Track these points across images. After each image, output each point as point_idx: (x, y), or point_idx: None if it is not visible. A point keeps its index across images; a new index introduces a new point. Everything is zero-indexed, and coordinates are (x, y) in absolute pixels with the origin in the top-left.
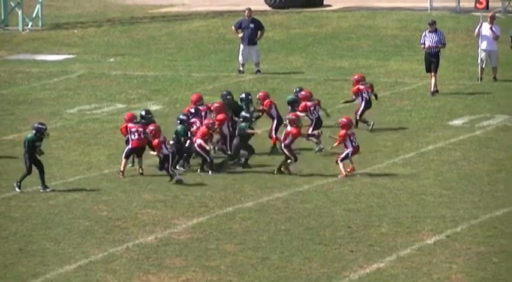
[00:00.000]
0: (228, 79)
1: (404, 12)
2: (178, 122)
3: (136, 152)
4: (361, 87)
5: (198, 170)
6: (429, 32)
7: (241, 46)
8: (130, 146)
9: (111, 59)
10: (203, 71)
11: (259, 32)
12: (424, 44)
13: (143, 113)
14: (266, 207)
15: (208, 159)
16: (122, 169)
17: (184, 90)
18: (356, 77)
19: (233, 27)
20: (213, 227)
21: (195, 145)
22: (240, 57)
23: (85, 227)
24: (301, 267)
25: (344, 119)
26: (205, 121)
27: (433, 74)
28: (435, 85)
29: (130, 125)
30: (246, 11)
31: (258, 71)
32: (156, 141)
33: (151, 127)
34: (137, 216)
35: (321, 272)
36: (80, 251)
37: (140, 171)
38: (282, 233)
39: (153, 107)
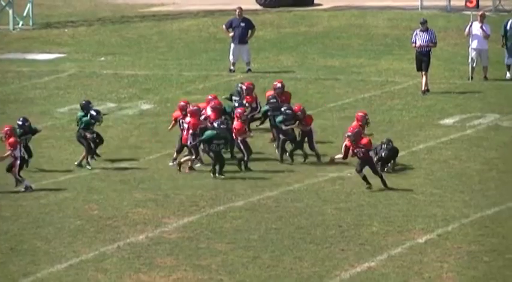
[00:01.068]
0: (219, 78)
1: (395, 11)
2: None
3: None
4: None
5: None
6: (420, 31)
7: (232, 45)
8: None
9: (102, 58)
10: (194, 70)
11: (249, 31)
12: (415, 43)
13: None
14: (257, 206)
15: (246, 158)
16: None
17: (175, 90)
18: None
19: (224, 26)
20: (204, 226)
21: (238, 141)
22: (231, 56)
23: (76, 226)
24: (292, 266)
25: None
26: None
27: (424, 73)
28: (426, 84)
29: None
30: (237, 10)
31: (249, 70)
32: (12, 139)
33: (6, 127)
34: (128, 215)
35: (312, 271)
36: (71, 250)
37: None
38: (273, 232)
39: (144, 106)
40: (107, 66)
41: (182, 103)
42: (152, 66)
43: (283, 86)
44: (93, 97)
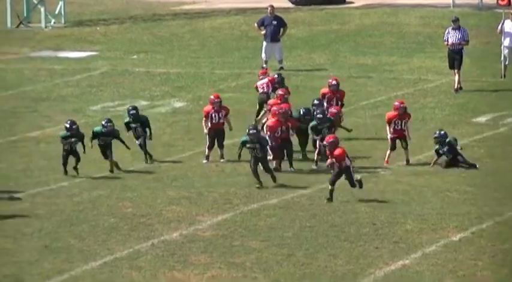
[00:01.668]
0: (251, 76)
1: (427, 9)
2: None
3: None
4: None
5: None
6: (452, 29)
7: (264, 43)
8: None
9: (134, 56)
10: (226, 68)
11: (281, 29)
12: (448, 41)
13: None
14: (291, 204)
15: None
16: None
17: (208, 88)
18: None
19: (256, 25)
20: (238, 224)
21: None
22: (263, 54)
23: (110, 223)
24: (327, 264)
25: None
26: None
27: (456, 71)
28: (459, 82)
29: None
30: (269, 8)
31: (281, 68)
32: None
33: None
34: (162, 213)
35: (346, 268)
36: (105, 248)
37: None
38: (307, 229)
39: (177, 104)
40: (139, 64)
41: (212, 97)
42: (184, 64)
43: (338, 84)
44: (125, 95)
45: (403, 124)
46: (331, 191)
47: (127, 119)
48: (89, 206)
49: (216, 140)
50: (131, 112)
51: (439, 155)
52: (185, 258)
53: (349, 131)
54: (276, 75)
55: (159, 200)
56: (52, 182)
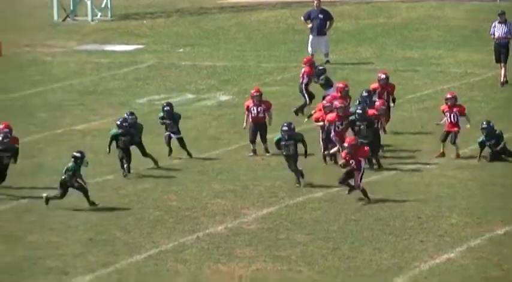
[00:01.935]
0: (297, 70)
1: (473, 3)
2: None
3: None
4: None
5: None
6: (499, 22)
7: (311, 36)
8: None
9: (181, 50)
10: (272, 61)
11: (328, 23)
12: (494, 34)
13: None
14: (336, 197)
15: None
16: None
17: (253, 81)
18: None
19: (302, 18)
20: (283, 217)
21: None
22: (310, 48)
23: (155, 216)
24: (372, 258)
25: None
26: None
27: (502, 64)
28: (505, 76)
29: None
30: (315, 2)
31: (327, 61)
32: None
33: None
34: (207, 206)
35: (391, 262)
36: (150, 241)
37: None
38: (352, 223)
39: (223, 97)
40: (186, 58)
41: (253, 91)
42: (231, 57)
43: (387, 77)
44: (171, 88)
45: (453, 117)
46: (364, 190)
47: (161, 114)
48: (134, 199)
49: (259, 134)
50: (165, 108)
51: (482, 147)
52: (230, 251)
53: (384, 132)
54: (317, 67)
55: (204, 193)
56: (98, 175)
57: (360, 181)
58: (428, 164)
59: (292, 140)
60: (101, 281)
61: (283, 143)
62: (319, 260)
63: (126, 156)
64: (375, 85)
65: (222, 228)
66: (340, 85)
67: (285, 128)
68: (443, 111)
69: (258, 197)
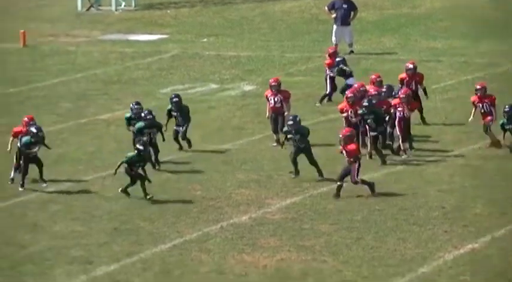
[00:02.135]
0: (321, 60)
1: None
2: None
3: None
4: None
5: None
6: None
7: (335, 27)
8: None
9: (204, 39)
10: (296, 51)
11: (352, 13)
12: None
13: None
14: (360, 187)
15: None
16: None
17: (277, 71)
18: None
19: (326, 8)
20: (308, 207)
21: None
22: (333, 38)
23: (179, 206)
24: (396, 248)
25: None
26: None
27: None
28: None
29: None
30: None
31: (351, 51)
32: None
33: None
34: (231, 196)
35: (415, 252)
36: (174, 231)
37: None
38: (376, 213)
39: (247, 87)
40: (210, 48)
41: (271, 80)
42: (254, 47)
43: (415, 67)
44: (195, 78)
45: (486, 107)
46: (339, 187)
47: (169, 107)
48: (158, 189)
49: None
50: (174, 100)
51: (503, 130)
52: (254, 241)
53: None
54: (337, 58)
55: (228, 183)
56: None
57: (357, 176)
58: (452, 154)
59: (298, 134)
60: (125, 271)
61: (291, 136)
62: (343, 250)
63: (153, 148)
64: (403, 75)
65: (246, 218)
66: (373, 76)
67: (290, 122)
68: (473, 103)
69: (281, 187)
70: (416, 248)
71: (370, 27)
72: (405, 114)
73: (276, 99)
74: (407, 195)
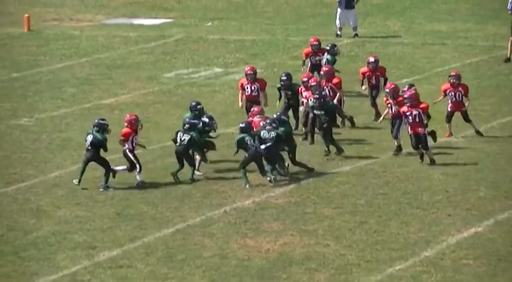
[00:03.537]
0: (326, 43)
1: None
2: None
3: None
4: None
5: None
6: None
7: (339, 10)
8: None
9: (209, 23)
10: (301, 34)
11: None
12: (511, 9)
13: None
14: (364, 171)
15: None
16: None
17: (282, 54)
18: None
19: None
20: (311, 191)
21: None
22: (338, 21)
23: (183, 191)
24: (399, 231)
25: None
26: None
27: None
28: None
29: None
30: None
31: (356, 34)
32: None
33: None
34: (234, 181)
35: (418, 236)
36: (177, 215)
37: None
38: (380, 197)
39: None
40: (214, 31)
41: (247, 68)
42: (259, 31)
43: (376, 61)
44: (199, 62)
45: (458, 96)
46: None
47: (187, 115)
48: (161, 173)
49: None
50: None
51: None
52: (257, 225)
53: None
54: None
55: (231, 167)
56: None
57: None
58: (456, 137)
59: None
60: (128, 256)
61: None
62: (347, 234)
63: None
64: (364, 69)
65: (249, 203)
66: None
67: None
68: (444, 91)
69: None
70: (419, 232)
71: (374, 10)
72: (393, 110)
73: (252, 88)
74: (410, 178)
